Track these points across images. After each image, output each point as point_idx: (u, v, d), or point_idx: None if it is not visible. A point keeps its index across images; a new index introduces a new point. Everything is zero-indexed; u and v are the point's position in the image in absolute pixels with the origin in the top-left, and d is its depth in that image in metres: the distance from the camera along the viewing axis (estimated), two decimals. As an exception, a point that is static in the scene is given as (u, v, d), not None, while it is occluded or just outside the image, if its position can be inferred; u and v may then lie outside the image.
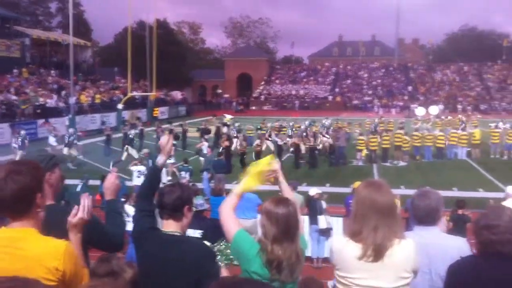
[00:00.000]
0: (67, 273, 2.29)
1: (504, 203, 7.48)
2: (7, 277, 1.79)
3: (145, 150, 18.91)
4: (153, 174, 3.37)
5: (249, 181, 3.21)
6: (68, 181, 14.04)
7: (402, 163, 22.97)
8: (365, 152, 23.24)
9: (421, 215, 3.26)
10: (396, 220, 2.74)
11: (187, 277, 2.84)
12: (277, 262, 2.73)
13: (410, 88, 66.96)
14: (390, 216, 2.71)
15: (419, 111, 43.95)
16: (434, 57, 79.17)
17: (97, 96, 42.63)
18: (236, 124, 29.56)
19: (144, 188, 3.34)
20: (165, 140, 3.46)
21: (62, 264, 2.27)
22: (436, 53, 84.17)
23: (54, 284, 2.26)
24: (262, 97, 68.35)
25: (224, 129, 27.98)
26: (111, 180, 3.23)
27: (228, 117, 29.81)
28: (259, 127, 30.31)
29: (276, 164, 3.32)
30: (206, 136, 25.39)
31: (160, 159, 3.39)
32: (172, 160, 19.28)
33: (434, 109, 45.55)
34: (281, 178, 3.32)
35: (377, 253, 2.67)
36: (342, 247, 2.80)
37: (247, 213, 10.33)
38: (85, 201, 2.68)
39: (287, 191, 3.31)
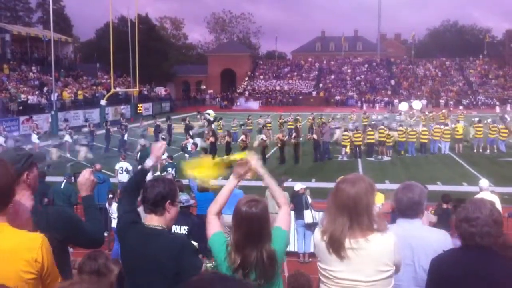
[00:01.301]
0: (45, 265, 2.27)
1: (477, 196, 7.58)
2: None
3: (142, 141, 18.61)
4: (140, 175, 3.40)
5: (206, 170, 3.27)
6: (53, 179, 13.94)
7: (386, 158, 23.18)
8: (349, 148, 23.41)
9: (404, 208, 3.29)
10: (360, 215, 2.69)
11: (166, 270, 2.85)
12: (241, 268, 2.75)
13: (393, 83, 67.40)
14: (348, 211, 2.69)
15: (402, 106, 44.29)
16: (416, 52, 79.66)
17: (80, 92, 42.20)
18: (221, 123, 29.36)
19: (129, 188, 3.37)
20: (159, 145, 3.46)
21: (41, 256, 2.25)
22: (418, 48, 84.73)
23: (34, 277, 2.23)
24: (246, 92, 68.24)
25: (213, 126, 27.85)
26: (86, 175, 3.20)
27: (211, 113, 29.59)
28: (242, 123, 30.32)
29: (253, 161, 3.28)
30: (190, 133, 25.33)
31: (149, 162, 3.40)
32: (165, 156, 19.01)
33: (418, 104, 45.93)
34: (262, 173, 3.28)
35: (334, 247, 2.69)
36: (320, 240, 2.81)
37: (232, 207, 10.30)
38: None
39: (272, 186, 3.28)
